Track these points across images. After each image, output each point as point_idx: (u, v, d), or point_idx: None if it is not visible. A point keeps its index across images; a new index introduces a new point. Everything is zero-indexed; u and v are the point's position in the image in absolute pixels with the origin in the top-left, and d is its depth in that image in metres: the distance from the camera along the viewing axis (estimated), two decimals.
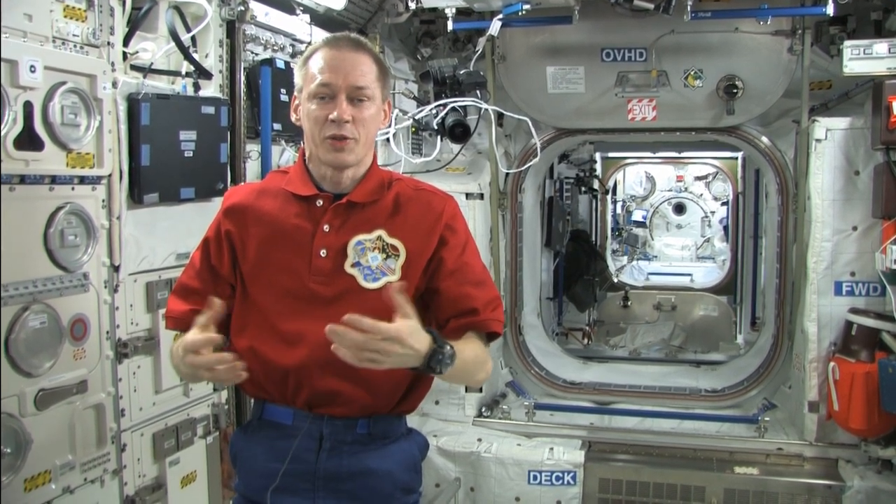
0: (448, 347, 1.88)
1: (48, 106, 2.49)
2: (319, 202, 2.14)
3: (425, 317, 2.20)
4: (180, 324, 2.21)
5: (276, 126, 3.64)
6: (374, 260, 2.09)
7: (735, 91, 4.70)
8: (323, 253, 2.09)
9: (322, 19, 4.15)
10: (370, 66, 2.10)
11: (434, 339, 1.86)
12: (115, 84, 2.77)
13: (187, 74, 3.15)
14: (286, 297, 2.10)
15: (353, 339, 1.73)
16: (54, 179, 2.57)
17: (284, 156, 3.80)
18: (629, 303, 9.56)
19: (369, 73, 2.09)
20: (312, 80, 2.07)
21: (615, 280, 10.20)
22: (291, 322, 2.06)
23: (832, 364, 4.21)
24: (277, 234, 2.14)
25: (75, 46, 2.62)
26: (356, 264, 2.09)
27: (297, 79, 2.15)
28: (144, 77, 2.91)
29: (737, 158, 9.53)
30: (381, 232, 2.11)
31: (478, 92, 4.31)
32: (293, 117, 2.21)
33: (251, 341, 2.05)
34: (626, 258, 12.64)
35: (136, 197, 2.88)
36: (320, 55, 2.09)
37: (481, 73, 4.53)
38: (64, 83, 2.54)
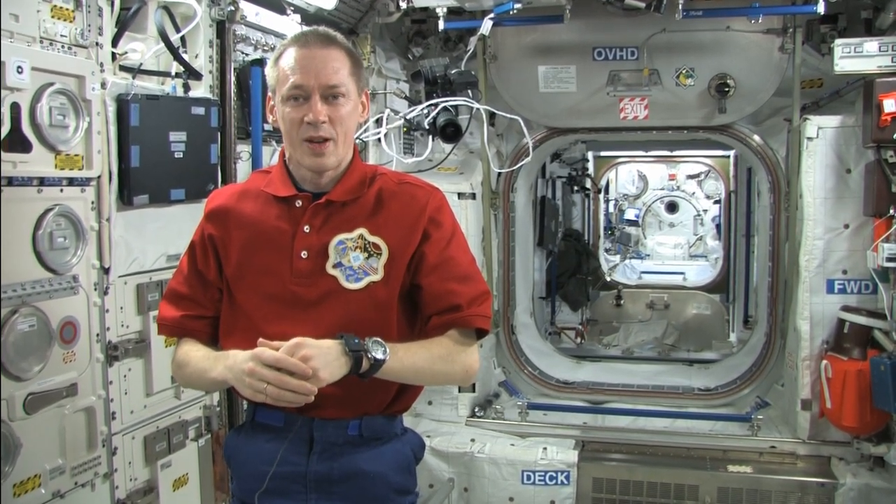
0: (370, 350, 1.91)
1: (36, 107, 2.46)
2: (299, 203, 2.11)
3: (414, 313, 2.19)
4: (174, 330, 2.20)
5: (267, 126, 3.62)
6: (356, 259, 2.06)
7: (727, 89, 4.71)
8: (304, 254, 2.07)
9: (313, 19, 4.12)
10: (342, 62, 2.06)
11: (346, 342, 1.90)
12: (103, 85, 2.74)
13: (177, 75, 3.13)
14: (269, 301, 2.08)
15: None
16: (42, 181, 2.54)
17: (275, 156, 3.76)
18: (622, 301, 9.56)
19: (342, 68, 2.05)
20: (285, 81, 2.03)
21: (608, 279, 10.20)
22: (276, 325, 2.02)
23: (825, 362, 4.23)
24: (259, 236, 2.11)
25: (63, 47, 2.58)
26: (338, 265, 2.06)
27: (270, 80, 2.11)
28: (134, 78, 2.88)
29: (729, 157, 9.54)
30: (362, 230, 2.08)
31: (469, 91, 4.31)
32: (270, 119, 2.16)
33: (238, 345, 2.02)
34: (618, 257, 12.66)
35: (125, 198, 2.85)
36: (290, 54, 2.05)
37: (473, 72, 4.53)
38: (52, 84, 2.51)
